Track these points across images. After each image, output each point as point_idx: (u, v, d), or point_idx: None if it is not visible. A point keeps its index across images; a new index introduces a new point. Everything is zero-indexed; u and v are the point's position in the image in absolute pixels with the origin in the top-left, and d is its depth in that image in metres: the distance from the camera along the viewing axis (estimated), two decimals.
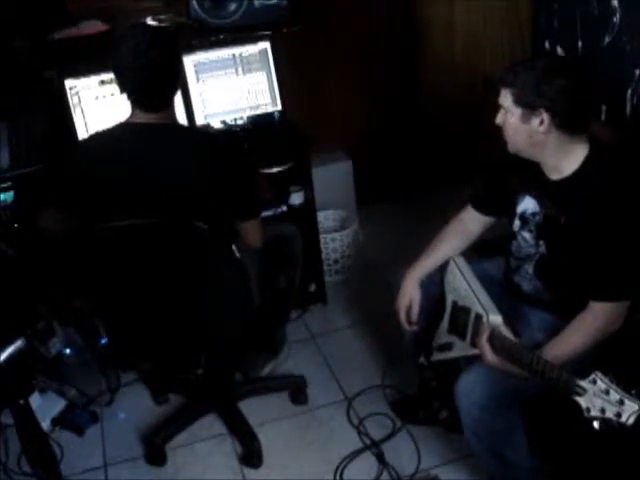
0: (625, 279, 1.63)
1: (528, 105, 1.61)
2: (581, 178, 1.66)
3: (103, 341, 2.58)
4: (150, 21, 2.61)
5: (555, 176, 1.71)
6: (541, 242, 1.78)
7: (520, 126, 1.65)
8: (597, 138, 1.68)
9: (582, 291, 1.65)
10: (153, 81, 1.81)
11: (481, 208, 1.99)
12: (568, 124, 1.61)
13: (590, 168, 1.65)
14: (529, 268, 1.84)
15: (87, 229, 1.89)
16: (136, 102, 1.85)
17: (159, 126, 1.87)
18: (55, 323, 2.32)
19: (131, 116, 1.87)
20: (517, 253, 1.87)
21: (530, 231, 1.81)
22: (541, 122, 1.61)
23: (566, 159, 1.67)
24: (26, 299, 2.17)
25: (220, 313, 2.01)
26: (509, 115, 1.66)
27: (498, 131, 1.74)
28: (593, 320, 1.64)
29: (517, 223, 1.84)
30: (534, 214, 1.78)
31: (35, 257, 2.25)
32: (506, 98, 1.66)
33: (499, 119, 1.71)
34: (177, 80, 1.89)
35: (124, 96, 1.85)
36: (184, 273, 1.89)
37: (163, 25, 2.56)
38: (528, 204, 1.80)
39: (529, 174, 1.77)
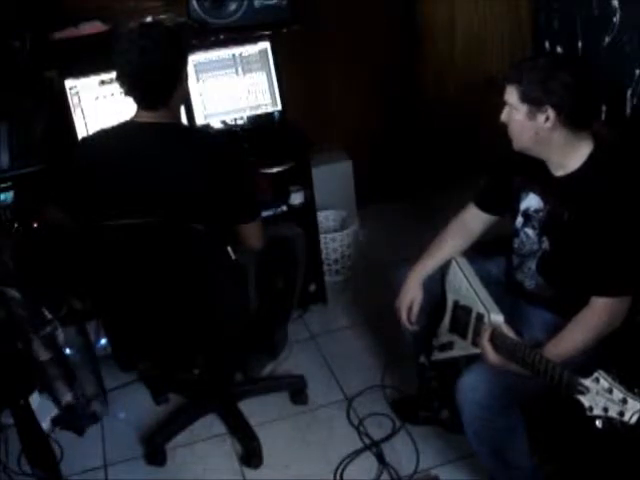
0: (626, 275, 1.64)
1: (534, 101, 1.62)
2: (585, 174, 1.67)
3: (103, 341, 2.59)
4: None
5: (559, 173, 1.72)
6: (544, 238, 1.79)
7: (526, 123, 1.66)
8: (601, 135, 1.69)
9: (584, 287, 1.66)
10: (148, 79, 1.80)
11: (485, 207, 1.99)
12: (573, 120, 1.62)
13: (594, 165, 1.66)
14: (532, 265, 1.85)
15: (86, 227, 1.89)
16: (135, 100, 1.86)
17: (159, 125, 1.87)
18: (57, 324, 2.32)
19: (135, 115, 1.89)
20: (520, 250, 1.87)
21: (533, 227, 1.81)
22: (547, 118, 1.62)
23: (571, 156, 1.68)
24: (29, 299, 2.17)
25: (217, 313, 2.01)
26: (515, 112, 1.67)
27: (499, 130, 1.74)
28: (594, 316, 1.64)
29: (520, 220, 1.85)
30: (537, 211, 1.79)
31: (36, 257, 2.25)
32: (512, 95, 1.66)
33: (504, 116, 1.72)
34: (174, 79, 1.86)
35: (124, 96, 1.85)
36: (180, 273, 1.89)
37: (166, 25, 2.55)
38: (532, 201, 1.81)
39: (533, 171, 1.77)
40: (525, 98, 1.63)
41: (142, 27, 1.86)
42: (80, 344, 2.42)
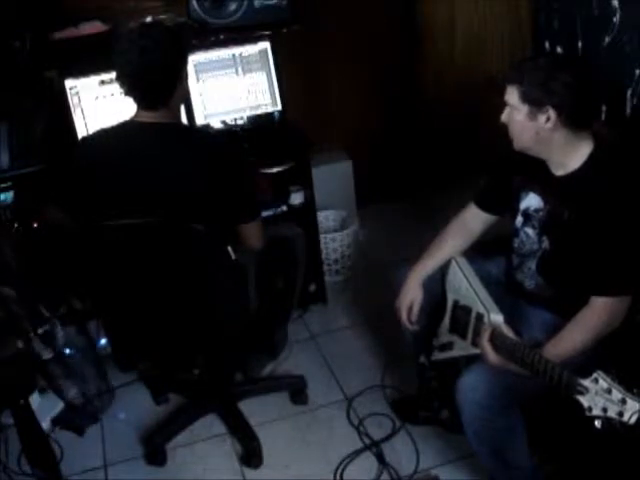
0: (626, 274, 1.64)
1: (535, 102, 1.62)
2: (585, 174, 1.67)
3: (103, 341, 2.59)
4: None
5: (560, 172, 1.72)
6: (544, 238, 1.79)
7: (527, 123, 1.66)
8: (601, 135, 1.69)
9: (583, 287, 1.66)
10: (148, 79, 1.80)
11: (485, 206, 1.99)
12: (574, 120, 1.62)
13: (594, 164, 1.67)
14: (532, 265, 1.85)
15: (87, 227, 1.89)
16: (135, 100, 1.86)
17: (159, 125, 1.87)
18: (57, 323, 2.33)
19: (135, 115, 1.89)
20: (519, 250, 1.87)
21: (533, 227, 1.81)
22: (547, 119, 1.62)
23: (571, 155, 1.68)
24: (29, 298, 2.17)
25: (217, 313, 2.01)
26: (515, 112, 1.67)
27: (499, 130, 1.74)
28: (593, 316, 1.64)
29: (520, 219, 1.85)
30: (537, 210, 1.79)
31: (35, 257, 2.25)
32: (513, 95, 1.66)
33: (504, 117, 1.72)
34: (174, 78, 1.86)
35: (124, 96, 1.86)
36: (180, 273, 1.89)
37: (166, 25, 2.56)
38: (532, 201, 1.81)
39: (533, 171, 1.78)
40: (526, 98, 1.63)
41: (142, 27, 1.86)
42: (81, 344, 2.42)
